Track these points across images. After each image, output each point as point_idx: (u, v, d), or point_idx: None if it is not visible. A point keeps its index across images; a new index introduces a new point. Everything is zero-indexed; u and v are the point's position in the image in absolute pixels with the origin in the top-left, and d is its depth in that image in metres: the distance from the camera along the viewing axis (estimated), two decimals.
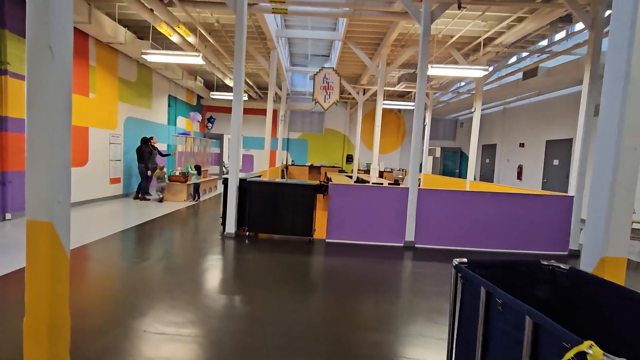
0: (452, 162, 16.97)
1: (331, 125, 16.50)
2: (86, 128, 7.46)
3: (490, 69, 8.77)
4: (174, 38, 7.52)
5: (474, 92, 12.30)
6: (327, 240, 5.50)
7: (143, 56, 7.03)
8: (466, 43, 8.65)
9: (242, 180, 5.59)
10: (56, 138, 1.74)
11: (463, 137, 16.14)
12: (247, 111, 15.77)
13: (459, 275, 1.77)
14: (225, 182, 5.63)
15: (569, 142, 9.58)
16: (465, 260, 1.83)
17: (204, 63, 7.40)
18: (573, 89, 9.26)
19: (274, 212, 5.40)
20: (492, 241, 5.44)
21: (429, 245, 5.51)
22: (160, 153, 9.31)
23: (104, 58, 7.93)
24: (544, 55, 8.19)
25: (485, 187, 8.66)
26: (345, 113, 16.40)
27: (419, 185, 5.50)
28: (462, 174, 16.07)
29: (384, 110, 16.41)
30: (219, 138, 15.99)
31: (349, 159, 16.60)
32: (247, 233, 5.52)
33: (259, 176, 6.67)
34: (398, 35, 8.24)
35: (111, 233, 5.37)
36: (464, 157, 16.16)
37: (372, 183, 8.38)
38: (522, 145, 11.75)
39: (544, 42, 8.59)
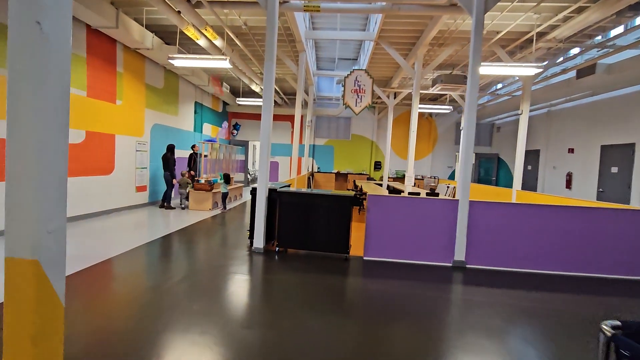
0: (488, 169, 15.92)
1: (358, 131, 15.94)
2: (113, 135, 7.30)
3: (544, 64, 7.95)
4: (201, 42, 7.27)
5: (516, 93, 11.41)
6: (364, 259, 4.93)
7: (170, 61, 6.80)
8: (512, 40, 7.90)
9: (271, 191, 5.14)
10: (48, 146, 1.30)
11: (500, 142, 15.11)
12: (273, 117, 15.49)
13: (618, 349, 1.17)
14: (253, 192, 5.19)
15: (630, 147, 8.53)
16: (618, 323, 1.23)
17: (231, 67, 7.08)
18: (632, 88, 8.25)
19: (306, 226, 4.90)
20: (566, 264, 4.67)
21: (482, 265, 4.81)
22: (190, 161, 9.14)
23: (131, 64, 7.80)
24: (605, 50, 7.30)
25: (535, 197, 7.80)
26: (373, 118, 15.80)
27: (453, 196, 4.84)
28: (500, 182, 15.02)
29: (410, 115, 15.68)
30: (244, 145, 15.79)
31: (377, 165, 15.94)
32: (277, 248, 5.04)
33: (288, 185, 6.21)
34: (437, 33, 7.61)
35: (135, 246, 5.04)
36: (501, 164, 15.11)
37: (409, 193, 7.74)
38: (571, 150, 10.70)
39: (599, 37, 7.69)
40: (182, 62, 6.91)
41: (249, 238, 5.42)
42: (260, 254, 4.93)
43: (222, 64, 6.80)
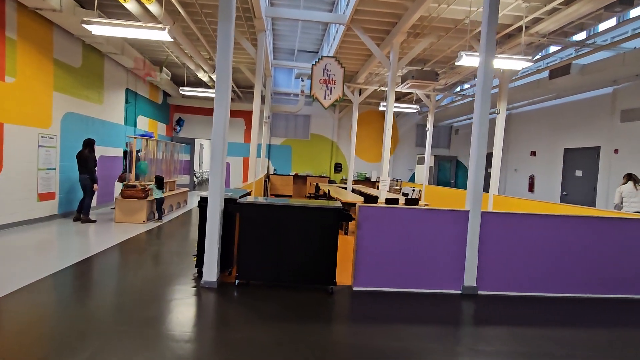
0: (446, 172, 15.82)
1: (318, 131, 14.86)
2: None
3: (538, 56, 7.48)
4: (130, 5, 5.59)
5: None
6: (354, 289, 3.78)
7: (84, 25, 5.03)
8: None
9: (228, 202, 3.76)
10: None
11: (459, 145, 15.07)
12: None
13: None
14: (202, 203, 3.77)
15: (595, 150, 8.52)
16: None
17: (172, 40, 5.52)
18: (598, 91, 8.21)
19: (277, 250, 3.62)
20: (599, 284, 3.95)
21: (497, 291, 3.93)
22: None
23: (31, 31, 5.82)
24: (585, 49, 7.03)
25: (519, 203, 7.31)
26: (334, 117, 14.83)
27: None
28: (459, 184, 14.95)
29: (374, 114, 15.05)
30: (190, 143, 13.85)
31: (338, 167, 15.01)
32: (236, 281, 3.68)
33: (248, 193, 4.86)
34: (416, 21, 6.76)
35: (28, 282, 3.35)
36: (460, 167, 15.06)
37: (386, 200, 6.78)
38: (533, 153, 10.68)
39: (578, 35, 7.46)
40: (102, 29, 5.17)
41: (195, 266, 3.98)
42: (212, 291, 3.53)
43: (159, 34, 5.22)
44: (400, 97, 13.62)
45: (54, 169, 6.55)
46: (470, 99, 11.90)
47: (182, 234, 6.13)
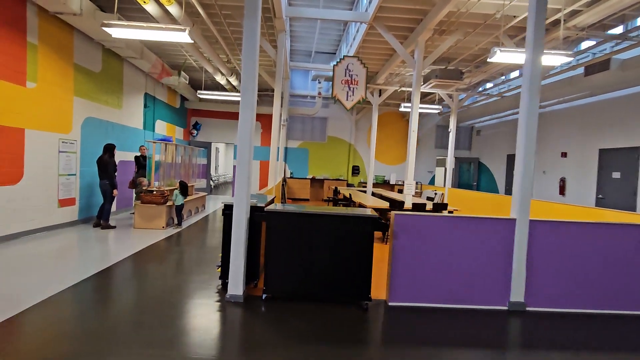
0: (467, 174, 15.30)
1: (335, 133, 14.59)
2: (20, 130, 5.24)
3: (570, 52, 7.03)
4: (150, 7, 5.47)
5: (508, 93, 10.67)
6: (389, 304, 3.48)
7: (104, 29, 4.93)
8: (523, 28, 6.96)
9: (254, 210, 3.53)
10: None
11: (481, 147, 14.53)
12: (236, 116, 13.66)
13: None
14: (227, 212, 3.56)
15: (635, 152, 7.96)
16: None
17: (191, 41, 5.38)
18: (636, 88, 7.66)
19: (307, 262, 3.36)
20: None
21: (548, 308, 3.56)
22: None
23: (52, 35, 5.77)
24: (626, 43, 6.55)
25: (562, 209, 6.86)
26: (351, 119, 14.54)
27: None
28: (482, 187, 14.40)
29: (393, 115, 14.69)
30: (207, 147, 13.80)
31: (355, 170, 14.69)
32: (264, 295, 3.43)
33: (272, 200, 4.63)
34: (444, 17, 6.43)
35: (48, 295, 3.19)
36: (482, 169, 14.52)
37: (414, 205, 6.45)
38: (564, 154, 10.13)
39: (618, 29, 6.98)
40: (121, 31, 5.06)
41: (220, 278, 3.76)
42: (238, 306, 3.29)
43: (179, 36, 5.07)
44: (421, 98, 13.23)
45: (74, 174, 6.49)
46: (494, 98, 11.43)
47: (203, 241, 5.95)
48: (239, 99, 10.02)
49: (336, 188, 10.46)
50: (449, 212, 6.70)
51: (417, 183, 14.08)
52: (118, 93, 7.92)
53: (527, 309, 3.54)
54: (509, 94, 10.86)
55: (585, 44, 7.85)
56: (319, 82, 12.89)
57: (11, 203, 5.10)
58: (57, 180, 6.05)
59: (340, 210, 3.48)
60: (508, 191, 12.45)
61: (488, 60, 5.76)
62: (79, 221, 6.68)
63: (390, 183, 14.30)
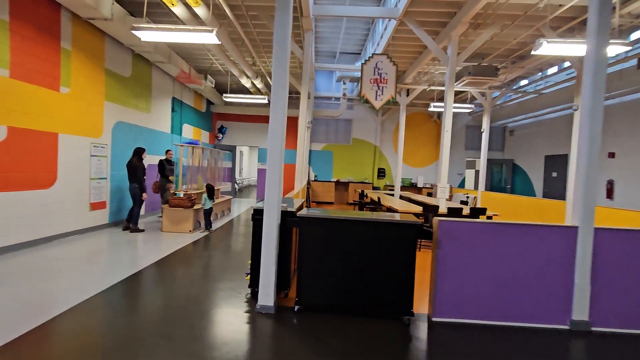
0: (499, 177, 14.56)
1: (360, 135, 14.29)
2: (54, 135, 5.32)
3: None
4: (178, 10, 5.43)
5: (546, 90, 10.00)
6: (433, 320, 3.17)
7: (134, 32, 4.93)
8: (569, 18, 6.45)
9: (285, 215, 3.33)
10: None
11: (515, 147, 13.77)
12: (260, 119, 13.70)
13: None
14: (257, 217, 3.38)
15: None
16: None
17: (219, 42, 5.29)
18: None
19: (343, 272, 3.11)
20: None
21: (617, 328, 3.14)
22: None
23: (84, 41, 5.86)
24: None
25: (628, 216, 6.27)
26: (376, 120, 14.20)
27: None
28: (516, 190, 13.64)
29: (420, 116, 14.22)
30: (232, 150, 13.86)
31: (381, 173, 14.32)
32: (296, 307, 3.21)
33: (302, 204, 4.42)
34: (480, 9, 6.04)
35: (76, 302, 3.12)
36: (517, 171, 13.76)
37: (449, 209, 6.06)
38: (611, 155, 9.35)
39: None
40: (151, 34, 5.05)
41: (249, 286, 3.58)
42: (269, 317, 3.09)
43: (207, 37, 5.00)
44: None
45: (105, 178, 6.57)
46: (531, 95, 10.79)
47: (230, 246, 5.82)
48: (264, 101, 9.98)
49: (362, 191, 10.15)
50: (488, 217, 6.27)
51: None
52: (147, 97, 8.01)
53: (592, 329, 3.13)
54: (548, 91, 10.20)
55: (635, 35, 7.20)
56: (344, 83, 12.65)
57: (45, 207, 5.17)
58: (89, 184, 6.13)
59: (380, 216, 3.20)
60: (546, 194, 11.70)
61: (532, 52, 5.33)
62: (109, 224, 6.75)
63: (418, 186, 13.82)
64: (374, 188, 13.50)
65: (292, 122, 14.04)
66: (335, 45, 12.16)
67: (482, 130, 10.74)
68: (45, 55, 5.08)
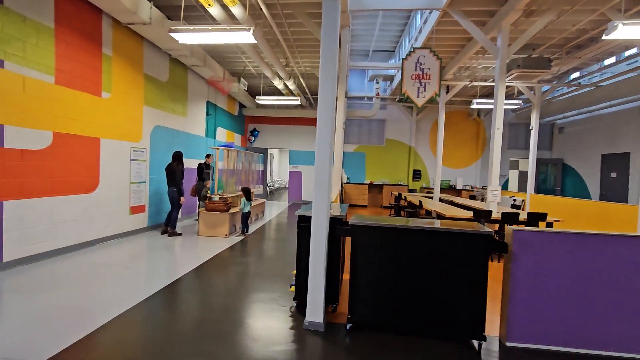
0: (546, 177, 13.51)
1: (394, 135, 13.80)
2: (96, 139, 5.36)
3: None
4: (214, 10, 5.33)
5: (604, 83, 9.08)
6: (507, 345, 2.74)
7: (172, 34, 4.86)
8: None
9: (334, 222, 3.04)
10: None
11: (565, 146, 12.72)
12: (291, 121, 13.57)
13: None
14: (302, 224, 3.11)
15: None
16: None
17: (255, 42, 5.11)
18: None
19: (402, 287, 2.77)
20: None
21: None
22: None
23: (124, 46, 5.91)
24: None
25: None
26: (411, 120, 13.66)
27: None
28: (567, 192, 12.58)
29: (459, 114, 13.51)
30: (263, 152, 13.83)
31: (417, 174, 13.73)
32: (348, 325, 2.90)
33: (346, 209, 4.10)
34: None
35: (116, 314, 3.00)
36: (567, 171, 12.69)
37: (503, 215, 5.52)
38: None
39: None
40: (188, 36, 4.97)
41: (294, 299, 3.32)
42: (318, 335, 2.80)
43: (244, 36, 4.84)
44: (490, 93, 11.97)
45: (144, 182, 6.61)
46: (587, 89, 9.86)
47: (268, 252, 5.62)
48: (296, 102, 9.79)
49: (399, 194, 9.69)
50: (548, 224, 5.66)
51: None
52: (183, 101, 8.05)
53: None
54: (607, 83, 9.26)
55: None
56: (377, 82, 12.24)
57: (88, 211, 5.22)
58: (129, 188, 6.17)
59: (448, 225, 2.83)
60: (604, 197, 10.65)
61: (604, 37, 4.72)
62: (148, 227, 6.78)
63: (457, 188, 13.11)
64: (410, 190, 12.94)
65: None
66: (368, 44, 11.81)
67: (530, 127, 9.94)
68: (88, 61, 5.13)
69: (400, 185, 13.39)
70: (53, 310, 3.06)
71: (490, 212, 5.56)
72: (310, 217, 3.00)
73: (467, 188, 13.16)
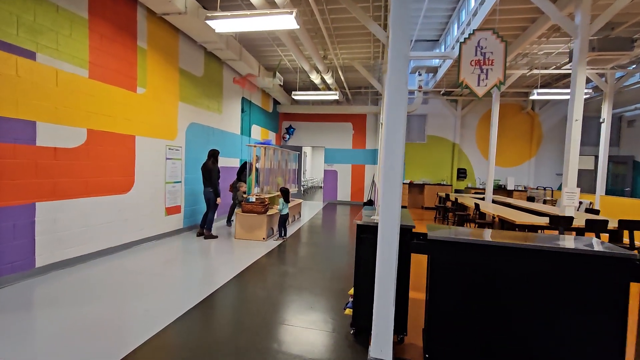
0: (610, 176, 12.00)
1: (436, 132, 12.88)
2: (132, 137, 5.10)
3: None
4: None
5: None
6: None
7: (208, 22, 4.48)
8: None
9: (404, 233, 2.44)
10: None
11: (635, 141, 11.21)
12: (327, 118, 13.03)
13: None
14: (363, 235, 2.54)
15: None
16: None
17: (297, 27, 4.61)
18: None
19: (502, 322, 2.12)
20: None
21: None
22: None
23: (160, 39, 5.63)
24: None
25: None
26: (455, 114, 12.67)
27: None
28: (637, 194, 11.08)
29: (509, 108, 12.33)
30: (298, 151, 13.40)
31: (461, 173, 12.72)
32: None
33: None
34: None
35: (149, 335, 2.60)
36: (639, 170, 11.18)
37: (587, 222, 4.64)
38: None
39: None
40: (225, 23, 4.56)
41: (352, 325, 2.76)
42: None
43: (286, 21, 4.37)
44: (556, 80, 10.69)
45: (180, 181, 6.33)
46: None
47: (310, 260, 5.11)
48: (335, 97, 9.23)
49: (446, 194, 8.86)
50: None
51: (544, 189, 11.47)
52: (218, 98, 7.74)
53: None
54: None
55: None
56: (419, 74, 11.40)
57: (123, 212, 4.97)
58: (164, 188, 5.90)
59: (566, 243, 2.14)
60: None
61: None
62: (184, 229, 6.51)
63: (507, 189, 11.97)
64: (457, 191, 11.98)
65: (361, 120, 13.18)
66: (411, 32, 10.98)
67: (601, 120, 8.74)
68: (123, 54, 4.86)
69: (443, 185, 12.45)
70: (84, 326, 2.71)
71: (570, 218, 4.70)
72: (373, 227, 2.42)
73: (520, 188, 11.99)
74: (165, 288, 3.65)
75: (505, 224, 5.58)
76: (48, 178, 3.86)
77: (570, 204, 5.33)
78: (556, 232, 5.09)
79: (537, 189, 11.69)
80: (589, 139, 12.21)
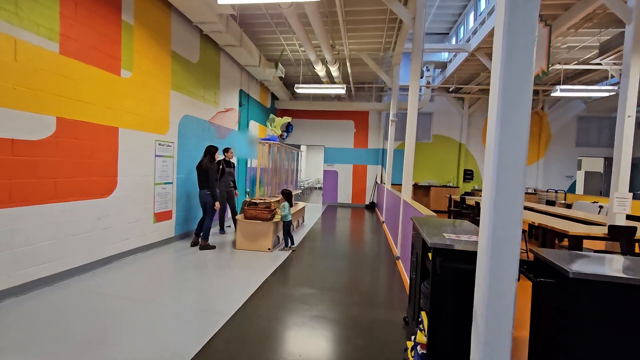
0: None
1: (442, 131, 12.27)
2: (114, 129, 4.23)
3: None
4: None
5: None
6: None
7: None
8: None
9: (462, 258, 1.68)
10: None
11: None
12: (328, 115, 12.29)
13: None
14: (442, 258, 1.78)
15: None
16: None
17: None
18: None
19: None
20: None
21: None
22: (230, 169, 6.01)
23: (149, 14, 4.76)
24: None
25: None
26: (462, 113, 12.09)
27: None
28: None
29: None
30: (297, 149, 12.59)
31: (468, 175, 12.16)
32: None
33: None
34: None
35: None
36: None
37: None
38: None
39: None
40: None
41: None
42: None
43: None
44: (577, 76, 10.16)
45: (171, 182, 5.46)
46: None
47: (332, 278, 4.32)
48: (342, 91, 8.47)
49: (463, 198, 8.21)
50: None
51: (555, 192, 10.98)
52: (215, 88, 6.88)
53: None
54: None
55: None
56: (427, 70, 10.76)
57: (103, 220, 4.09)
58: (153, 190, 5.03)
59: None
60: None
61: None
62: (176, 237, 5.64)
63: None
64: (467, 193, 11.39)
65: (364, 118, 12.47)
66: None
67: (627, 115, 8.21)
68: (104, 28, 3.99)
69: (450, 186, 11.86)
70: None
71: (633, 229, 4.06)
72: (465, 252, 1.66)
73: (529, 191, 11.49)
74: (148, 325, 2.81)
75: (547, 234, 4.93)
76: (2, 179, 2.98)
77: (621, 210, 4.71)
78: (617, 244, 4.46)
79: (547, 191, 11.20)
80: (600, 140, 11.82)
